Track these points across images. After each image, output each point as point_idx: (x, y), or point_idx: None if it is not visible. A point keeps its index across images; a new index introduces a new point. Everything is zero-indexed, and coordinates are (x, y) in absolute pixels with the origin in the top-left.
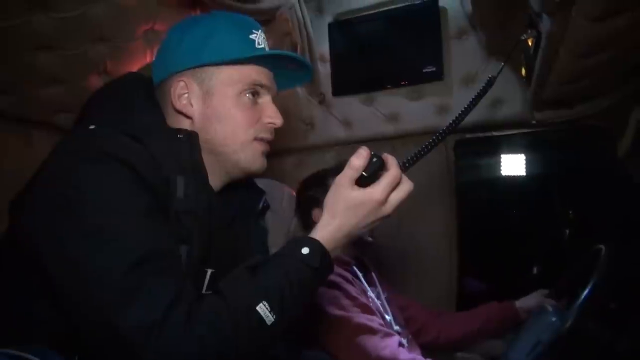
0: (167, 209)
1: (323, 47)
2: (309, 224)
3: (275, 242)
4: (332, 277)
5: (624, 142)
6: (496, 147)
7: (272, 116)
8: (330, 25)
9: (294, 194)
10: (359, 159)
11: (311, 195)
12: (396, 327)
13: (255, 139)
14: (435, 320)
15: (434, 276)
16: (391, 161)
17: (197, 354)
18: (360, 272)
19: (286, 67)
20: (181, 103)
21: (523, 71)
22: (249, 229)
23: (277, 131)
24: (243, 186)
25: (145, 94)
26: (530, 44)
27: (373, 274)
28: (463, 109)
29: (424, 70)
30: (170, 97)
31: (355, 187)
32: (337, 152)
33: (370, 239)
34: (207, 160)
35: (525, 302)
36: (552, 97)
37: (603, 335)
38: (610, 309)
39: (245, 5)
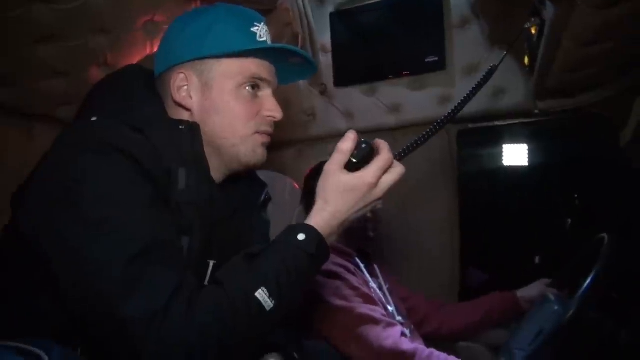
0: (168, 200)
1: (324, 37)
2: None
3: (278, 234)
4: (334, 268)
5: (626, 132)
6: (499, 137)
7: (272, 109)
8: (331, 15)
9: (296, 185)
10: (346, 143)
11: (313, 187)
12: (398, 318)
13: (256, 132)
14: (437, 311)
15: (437, 266)
16: (382, 145)
17: (199, 342)
18: (362, 263)
19: (288, 61)
20: (180, 95)
21: (526, 60)
22: (252, 221)
23: (278, 123)
24: (245, 178)
25: (146, 86)
26: (533, 32)
27: (375, 265)
28: (463, 98)
29: (427, 60)
30: (170, 89)
31: (345, 171)
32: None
33: (371, 234)
34: (208, 153)
35: (527, 292)
36: (555, 86)
37: (605, 324)
38: (613, 299)
39: None
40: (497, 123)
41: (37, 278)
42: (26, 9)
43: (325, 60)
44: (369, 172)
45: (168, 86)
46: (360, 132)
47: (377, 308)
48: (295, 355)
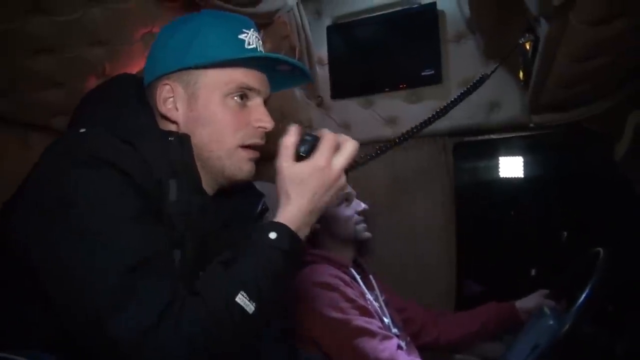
0: (160, 213)
1: (321, 50)
2: None
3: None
4: (330, 279)
5: (621, 146)
6: (494, 150)
7: (262, 119)
8: (328, 29)
9: None
10: (289, 137)
11: None
12: (394, 330)
13: (242, 146)
14: (434, 321)
15: (433, 277)
16: (325, 131)
17: (188, 356)
18: (358, 274)
19: (279, 69)
20: (166, 107)
21: (521, 75)
22: (247, 232)
23: (274, 134)
24: (241, 189)
25: (137, 95)
26: (528, 47)
27: (371, 277)
28: (451, 101)
29: (423, 74)
30: (156, 101)
31: (296, 163)
32: None
33: (367, 234)
34: (198, 165)
35: (525, 303)
36: (549, 100)
37: (601, 338)
38: (609, 312)
39: (244, 8)
40: (492, 136)
41: (27, 288)
42: (24, 21)
43: (322, 73)
44: (318, 156)
45: (154, 98)
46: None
47: (373, 320)
48: None
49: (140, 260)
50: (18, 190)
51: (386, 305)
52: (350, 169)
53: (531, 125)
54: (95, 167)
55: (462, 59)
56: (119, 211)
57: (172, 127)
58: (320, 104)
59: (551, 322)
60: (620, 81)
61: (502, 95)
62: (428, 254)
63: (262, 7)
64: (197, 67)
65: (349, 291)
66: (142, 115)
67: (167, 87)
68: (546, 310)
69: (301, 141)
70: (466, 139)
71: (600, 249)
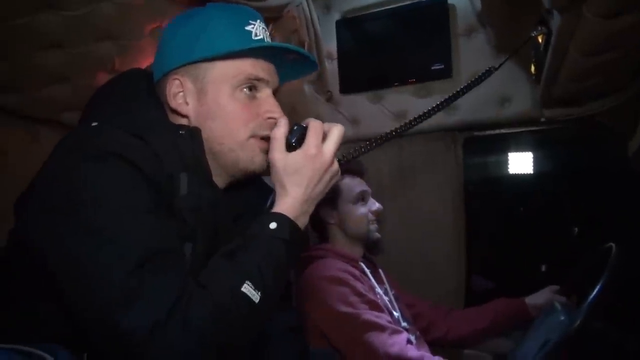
0: (171, 206)
1: (331, 44)
2: (318, 221)
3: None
4: (340, 274)
5: (634, 140)
6: (505, 145)
7: (272, 110)
8: (337, 23)
9: None
10: (278, 129)
11: None
12: (404, 324)
13: (253, 136)
14: (443, 317)
15: (443, 273)
16: (311, 120)
17: (198, 348)
18: (368, 268)
19: (286, 59)
20: (176, 102)
21: (532, 68)
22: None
23: None
24: (251, 183)
25: (147, 90)
26: (540, 40)
27: (380, 271)
28: (454, 93)
29: (432, 68)
30: (166, 96)
31: (289, 154)
32: (345, 150)
33: (377, 234)
34: (209, 158)
35: (535, 299)
36: (561, 94)
37: (612, 334)
38: (620, 308)
39: (252, 2)
40: (503, 131)
41: (42, 284)
42: (34, 17)
43: (331, 68)
44: (308, 145)
45: (164, 93)
46: (366, 139)
47: (382, 314)
48: None
49: (149, 254)
50: (30, 186)
51: (396, 299)
52: (346, 160)
53: (542, 119)
54: (106, 160)
55: (472, 53)
56: (129, 205)
57: (183, 122)
58: (329, 99)
59: (562, 318)
60: (634, 74)
61: (513, 90)
62: (436, 250)
63: (271, 1)
64: (204, 61)
65: (359, 285)
66: (152, 109)
67: (177, 81)
68: (557, 305)
69: (290, 132)
70: (476, 133)
71: (613, 245)
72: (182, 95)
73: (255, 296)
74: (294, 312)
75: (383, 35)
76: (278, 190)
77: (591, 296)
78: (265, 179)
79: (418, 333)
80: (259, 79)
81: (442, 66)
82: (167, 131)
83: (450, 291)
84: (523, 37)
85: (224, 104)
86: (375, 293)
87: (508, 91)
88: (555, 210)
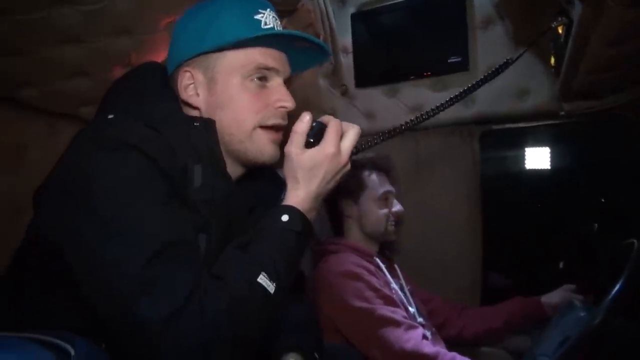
0: (185, 198)
1: (346, 38)
2: (336, 213)
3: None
4: (355, 269)
5: None
6: (522, 139)
7: (282, 99)
8: (352, 16)
9: None
10: (301, 124)
11: (339, 184)
12: (420, 319)
13: (262, 126)
14: (458, 314)
15: (458, 270)
16: (328, 118)
17: (214, 338)
18: (383, 263)
19: (298, 48)
20: (187, 94)
21: (552, 60)
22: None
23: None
24: (265, 175)
25: (162, 83)
26: (560, 32)
27: (396, 266)
28: (470, 85)
29: (449, 61)
30: (178, 88)
31: (306, 150)
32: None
33: (394, 236)
34: (222, 149)
35: (551, 298)
36: (581, 87)
37: (634, 332)
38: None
39: None
40: (520, 125)
41: (61, 275)
42: (51, 11)
43: (347, 61)
44: (327, 143)
45: (176, 85)
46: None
47: (398, 310)
48: (316, 355)
49: (165, 246)
50: (47, 178)
51: (411, 295)
52: (353, 155)
53: (562, 113)
54: (122, 152)
55: (490, 45)
56: (145, 195)
57: (195, 113)
58: (344, 93)
59: (582, 315)
60: None
61: (532, 82)
62: (452, 246)
63: None
64: (214, 51)
65: (374, 280)
66: (167, 101)
67: (188, 74)
68: (576, 302)
69: (310, 127)
70: (494, 127)
71: (635, 241)
72: (193, 87)
73: (271, 287)
74: (309, 305)
75: (398, 28)
76: (290, 183)
77: (613, 292)
78: (280, 172)
79: (434, 329)
80: (269, 68)
81: (459, 59)
82: (181, 123)
83: (466, 287)
84: (542, 28)
85: (233, 93)
86: (390, 288)
87: (526, 84)
88: (574, 205)
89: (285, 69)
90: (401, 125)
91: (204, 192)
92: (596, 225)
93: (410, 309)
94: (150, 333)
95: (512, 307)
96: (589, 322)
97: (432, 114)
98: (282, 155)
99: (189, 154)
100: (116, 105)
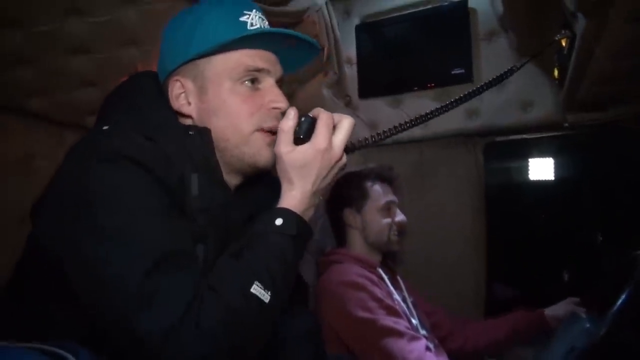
0: (183, 208)
1: (350, 49)
2: (339, 223)
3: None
4: (358, 279)
5: None
6: (526, 151)
7: (276, 100)
8: (357, 28)
9: None
10: (287, 121)
11: (342, 194)
12: (423, 332)
13: (258, 129)
14: (461, 327)
15: (462, 280)
16: (318, 110)
17: (212, 350)
18: (386, 274)
19: (286, 46)
20: (179, 103)
21: (555, 73)
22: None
23: None
24: (263, 182)
25: (157, 92)
26: (564, 44)
27: (398, 277)
28: (473, 89)
29: (453, 73)
30: (169, 98)
31: (296, 147)
32: (363, 154)
33: (397, 246)
34: (218, 157)
35: (555, 311)
36: (585, 99)
37: (637, 343)
38: None
39: (272, 7)
40: (524, 136)
41: (61, 285)
42: (60, 23)
43: (351, 72)
44: (318, 138)
45: (167, 95)
46: (385, 144)
47: (401, 320)
48: None
49: (163, 257)
50: (44, 191)
51: (414, 306)
52: (348, 151)
53: (565, 124)
54: (118, 163)
55: (493, 57)
56: (142, 207)
57: (189, 122)
58: (348, 104)
59: (587, 326)
60: None
61: (536, 94)
62: (456, 257)
63: (291, 6)
64: (201, 57)
65: (377, 291)
66: (161, 111)
67: (178, 83)
68: (581, 314)
69: (298, 124)
70: (498, 138)
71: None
72: (184, 95)
73: (265, 296)
74: (311, 315)
75: (403, 40)
76: (284, 184)
77: (619, 303)
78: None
79: (437, 341)
80: (259, 70)
81: (463, 71)
82: (176, 132)
83: (470, 298)
84: (545, 41)
85: (225, 99)
86: (393, 299)
87: (530, 96)
88: (578, 217)
89: (276, 69)
90: (400, 124)
91: (200, 201)
92: (600, 236)
93: (412, 320)
94: (150, 345)
95: (515, 319)
96: (594, 333)
97: (437, 113)
98: None
99: (185, 163)
100: (111, 115)
